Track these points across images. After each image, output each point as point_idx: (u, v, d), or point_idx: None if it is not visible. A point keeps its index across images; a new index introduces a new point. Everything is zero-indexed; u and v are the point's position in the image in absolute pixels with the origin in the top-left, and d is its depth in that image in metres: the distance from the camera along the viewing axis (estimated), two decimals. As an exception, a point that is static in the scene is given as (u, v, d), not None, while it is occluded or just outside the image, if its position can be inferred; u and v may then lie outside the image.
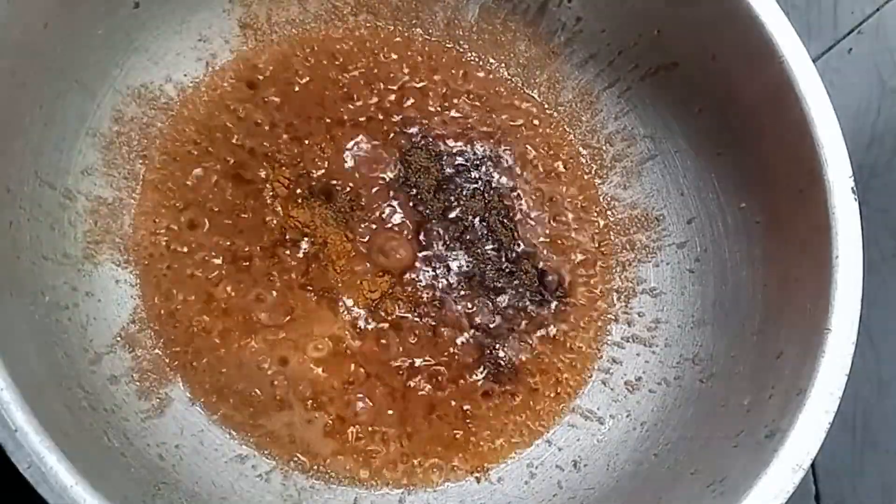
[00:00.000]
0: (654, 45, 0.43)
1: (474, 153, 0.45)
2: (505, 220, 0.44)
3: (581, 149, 0.46)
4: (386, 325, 0.41)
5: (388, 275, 0.41)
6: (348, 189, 0.42)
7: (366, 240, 0.42)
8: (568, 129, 0.46)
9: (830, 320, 0.34)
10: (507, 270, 0.43)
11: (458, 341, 0.41)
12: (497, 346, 0.41)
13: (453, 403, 0.40)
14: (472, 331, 0.41)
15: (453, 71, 0.46)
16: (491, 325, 0.42)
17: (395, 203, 0.43)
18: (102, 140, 0.39)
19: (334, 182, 0.42)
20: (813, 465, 0.39)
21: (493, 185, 0.44)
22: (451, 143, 0.44)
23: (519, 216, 0.44)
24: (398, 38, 0.46)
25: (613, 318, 0.43)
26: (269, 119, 0.43)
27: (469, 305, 0.42)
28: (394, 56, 0.45)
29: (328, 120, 0.43)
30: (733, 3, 0.38)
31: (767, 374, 0.36)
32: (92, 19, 0.37)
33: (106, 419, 0.34)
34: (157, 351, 0.38)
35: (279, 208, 0.41)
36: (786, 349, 0.36)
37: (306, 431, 0.38)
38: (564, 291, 0.43)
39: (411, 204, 0.43)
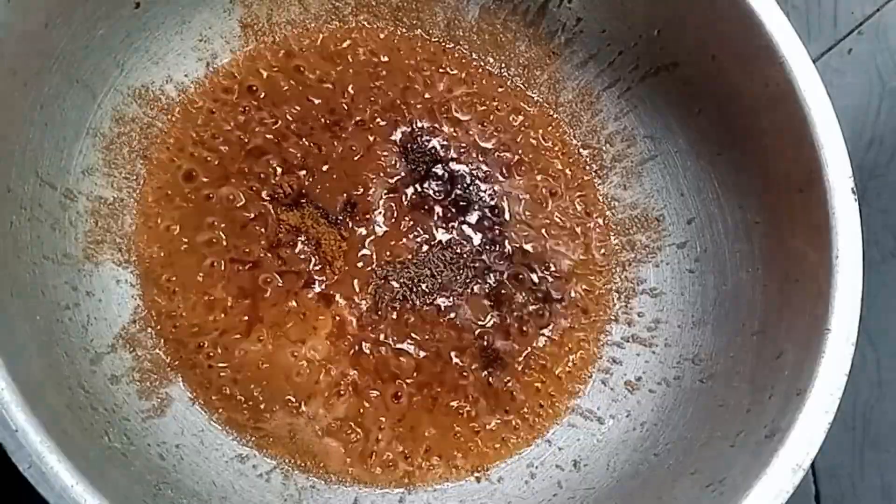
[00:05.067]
0: (654, 46, 0.43)
1: (474, 154, 0.45)
2: (505, 220, 0.44)
3: (581, 149, 0.46)
4: (385, 326, 0.41)
5: (387, 275, 0.41)
6: (348, 189, 0.42)
7: (364, 240, 0.42)
8: (568, 130, 0.46)
9: (830, 320, 0.34)
10: (507, 270, 0.43)
11: (458, 341, 0.41)
12: (497, 345, 0.41)
13: (453, 403, 0.40)
14: (472, 330, 0.41)
15: (454, 71, 0.46)
16: (491, 325, 0.42)
17: (393, 203, 0.43)
18: (103, 140, 0.39)
19: (333, 181, 0.42)
20: (813, 466, 0.40)
21: (493, 185, 0.44)
22: (450, 143, 0.45)
23: (519, 216, 0.44)
24: (398, 39, 0.46)
25: (613, 318, 0.43)
26: (269, 119, 0.43)
27: (468, 305, 0.42)
28: (394, 56, 0.45)
29: (328, 120, 0.43)
30: (733, 4, 0.38)
31: (767, 375, 0.36)
32: (92, 19, 0.37)
33: (106, 419, 0.34)
34: (157, 351, 0.38)
35: (274, 210, 0.41)
36: (786, 349, 0.36)
37: (307, 431, 0.39)
38: (564, 291, 0.43)
39: (410, 204, 0.43)
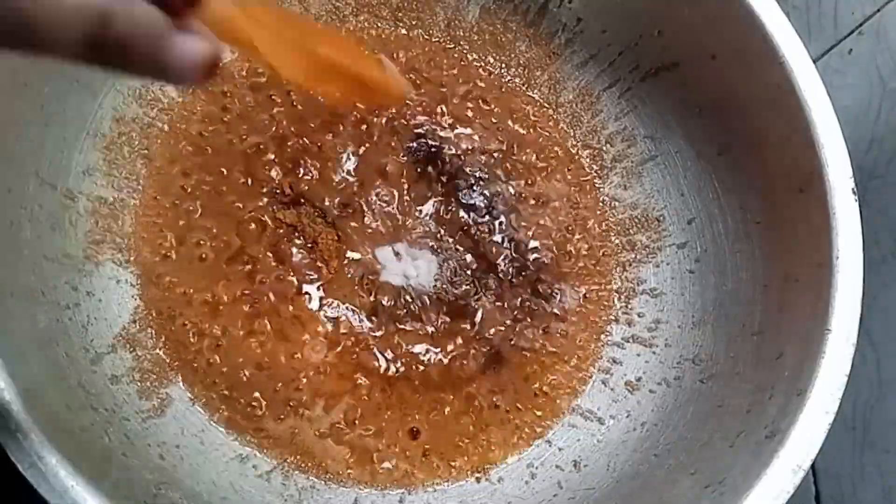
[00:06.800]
0: (654, 46, 0.43)
1: (474, 154, 0.45)
2: (505, 221, 0.44)
3: (581, 149, 0.46)
4: (385, 327, 0.40)
5: (386, 275, 0.41)
6: (347, 189, 0.42)
7: (362, 240, 0.42)
8: (568, 130, 0.46)
9: (830, 321, 0.34)
10: (507, 271, 0.43)
11: (458, 342, 0.41)
12: (496, 345, 0.41)
13: (454, 404, 0.40)
14: (472, 331, 0.41)
15: (454, 72, 0.46)
16: (491, 326, 0.42)
17: (393, 203, 0.43)
18: (103, 140, 0.39)
19: (333, 181, 0.42)
20: (813, 466, 0.39)
21: (493, 185, 0.44)
22: (450, 143, 0.44)
23: (519, 217, 0.44)
24: (398, 39, 0.46)
25: (613, 318, 0.43)
26: (269, 119, 0.43)
27: (468, 306, 0.42)
28: (394, 56, 0.45)
29: (328, 120, 0.43)
30: (733, 3, 0.38)
31: (767, 375, 0.36)
32: (93, 20, 0.37)
33: (106, 419, 0.34)
34: (157, 351, 0.38)
35: (272, 210, 0.41)
36: (786, 350, 0.36)
37: (307, 431, 0.38)
38: (565, 292, 0.43)
39: (409, 204, 0.43)
